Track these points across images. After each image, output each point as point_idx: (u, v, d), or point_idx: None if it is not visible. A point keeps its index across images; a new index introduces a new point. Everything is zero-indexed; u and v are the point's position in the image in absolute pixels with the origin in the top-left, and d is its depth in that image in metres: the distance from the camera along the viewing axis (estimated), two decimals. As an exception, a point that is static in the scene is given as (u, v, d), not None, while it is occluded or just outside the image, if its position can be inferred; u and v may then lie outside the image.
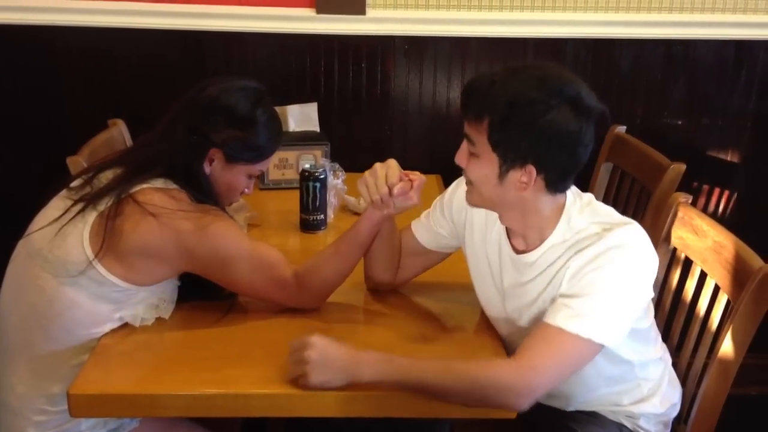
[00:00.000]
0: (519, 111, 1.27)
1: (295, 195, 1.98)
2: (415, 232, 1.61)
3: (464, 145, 1.37)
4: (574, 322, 1.30)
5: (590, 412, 1.56)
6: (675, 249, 1.75)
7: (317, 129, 2.37)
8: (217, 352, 1.41)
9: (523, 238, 1.43)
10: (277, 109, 1.63)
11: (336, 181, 2.08)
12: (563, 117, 1.28)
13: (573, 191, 1.42)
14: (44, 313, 1.43)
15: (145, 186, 1.44)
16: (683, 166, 1.98)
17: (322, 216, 1.97)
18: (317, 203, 1.95)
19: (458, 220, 1.56)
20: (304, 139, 2.30)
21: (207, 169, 1.51)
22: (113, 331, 1.45)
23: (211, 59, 2.40)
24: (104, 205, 1.42)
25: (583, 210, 1.39)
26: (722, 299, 1.58)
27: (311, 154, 2.26)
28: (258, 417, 1.66)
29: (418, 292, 1.64)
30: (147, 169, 1.47)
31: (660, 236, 1.76)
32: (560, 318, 1.31)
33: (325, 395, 1.29)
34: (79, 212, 1.43)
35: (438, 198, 1.61)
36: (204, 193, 1.49)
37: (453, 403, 1.30)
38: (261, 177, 2.25)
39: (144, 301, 1.47)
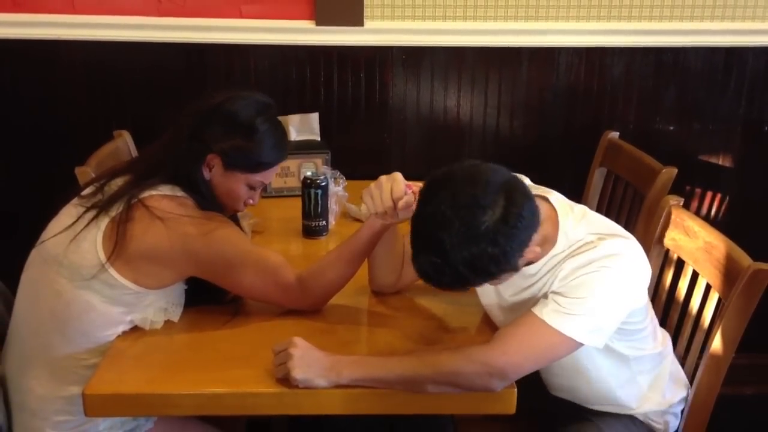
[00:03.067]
0: (479, 267, 1.28)
1: (297, 202, 2.01)
2: None
3: None
4: (559, 318, 1.34)
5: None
6: (668, 250, 1.79)
7: (318, 138, 2.40)
8: (225, 353, 1.44)
9: None
10: (278, 118, 1.66)
11: (337, 188, 2.11)
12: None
13: (561, 203, 1.44)
14: (61, 316, 1.47)
15: (153, 192, 1.48)
16: (675, 170, 2.02)
17: (323, 222, 2.00)
18: (319, 210, 1.98)
19: None
20: (305, 148, 2.33)
21: (206, 174, 1.53)
22: (125, 333, 1.49)
23: (213, 71, 2.43)
24: (116, 210, 1.46)
25: (578, 222, 1.42)
26: (713, 297, 1.62)
27: (312, 163, 2.30)
28: (263, 416, 1.68)
29: (421, 294, 1.66)
30: (154, 176, 1.50)
31: (653, 238, 1.80)
32: (546, 312, 1.35)
33: (331, 392, 1.32)
34: (92, 219, 1.46)
35: None
36: (206, 199, 1.52)
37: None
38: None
39: (153, 305, 1.50)
